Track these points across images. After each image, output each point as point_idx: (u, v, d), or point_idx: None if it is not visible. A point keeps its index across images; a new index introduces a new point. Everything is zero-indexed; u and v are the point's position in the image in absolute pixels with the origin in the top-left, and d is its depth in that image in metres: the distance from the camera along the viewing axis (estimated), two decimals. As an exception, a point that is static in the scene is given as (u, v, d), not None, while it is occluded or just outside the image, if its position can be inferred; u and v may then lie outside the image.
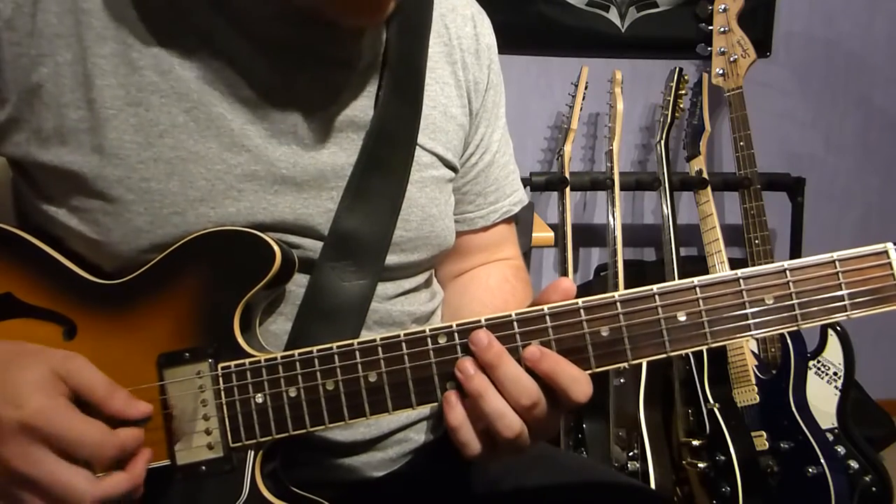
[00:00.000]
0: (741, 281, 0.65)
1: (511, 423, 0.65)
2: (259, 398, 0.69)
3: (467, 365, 0.66)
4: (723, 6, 2.05)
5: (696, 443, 1.93)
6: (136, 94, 0.71)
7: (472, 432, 0.67)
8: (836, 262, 0.65)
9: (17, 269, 0.73)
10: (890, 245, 0.65)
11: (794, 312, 0.65)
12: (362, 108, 0.80)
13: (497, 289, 0.95)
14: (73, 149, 0.71)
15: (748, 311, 0.65)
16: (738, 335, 0.66)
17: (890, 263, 0.65)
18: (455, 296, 0.97)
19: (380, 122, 0.80)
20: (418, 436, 0.90)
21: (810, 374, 1.95)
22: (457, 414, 0.66)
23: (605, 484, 0.95)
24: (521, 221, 1.03)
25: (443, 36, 0.87)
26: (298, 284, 0.77)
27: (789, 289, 0.65)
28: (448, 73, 0.87)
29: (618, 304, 0.66)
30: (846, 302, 0.65)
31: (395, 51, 0.82)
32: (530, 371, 0.66)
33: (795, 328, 0.65)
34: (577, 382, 0.65)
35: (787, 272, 0.65)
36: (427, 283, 0.91)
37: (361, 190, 0.78)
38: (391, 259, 0.81)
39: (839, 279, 0.65)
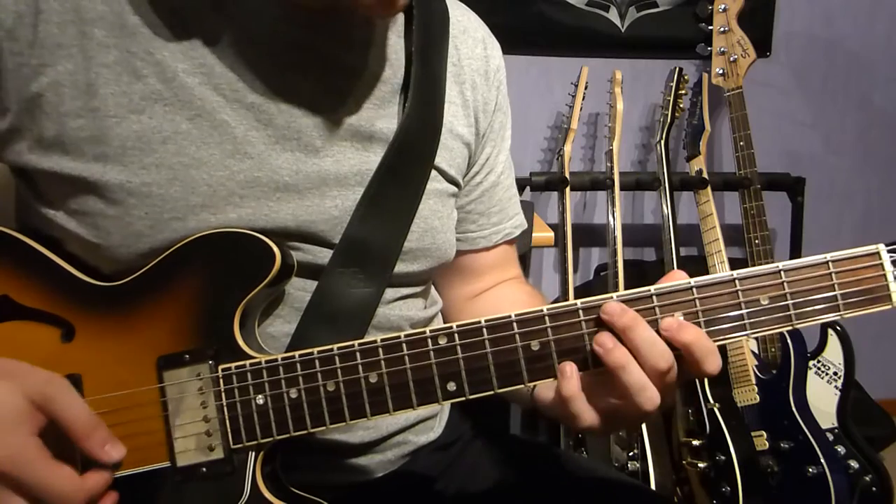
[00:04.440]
0: (737, 281, 0.66)
1: (653, 396, 0.64)
2: (260, 399, 0.70)
3: (605, 338, 0.65)
4: (723, 6, 2.05)
5: (696, 443, 1.93)
6: (139, 102, 0.71)
7: (586, 403, 0.66)
8: (830, 263, 0.65)
9: (14, 272, 0.73)
10: (881, 246, 0.65)
11: (788, 312, 0.66)
12: (368, 118, 0.80)
13: (529, 303, 0.95)
14: (75, 156, 0.71)
15: (744, 311, 0.66)
16: (733, 335, 0.66)
17: (881, 264, 0.65)
18: (485, 313, 0.97)
19: (404, 136, 0.80)
20: (417, 438, 0.90)
21: (810, 374, 1.95)
22: (571, 385, 0.66)
23: (606, 484, 0.95)
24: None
25: (452, 57, 0.88)
26: (302, 289, 0.78)
27: (784, 289, 0.66)
28: (455, 92, 0.87)
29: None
30: (839, 302, 0.65)
31: (419, 67, 0.82)
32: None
33: (790, 328, 0.66)
34: (713, 354, 0.65)
35: (782, 273, 0.65)
36: (426, 291, 0.92)
37: (377, 199, 0.79)
38: None
39: (832, 280, 0.65)
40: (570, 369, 0.66)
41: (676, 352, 0.65)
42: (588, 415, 0.67)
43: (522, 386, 0.68)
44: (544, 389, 0.77)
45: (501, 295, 0.98)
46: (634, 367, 0.64)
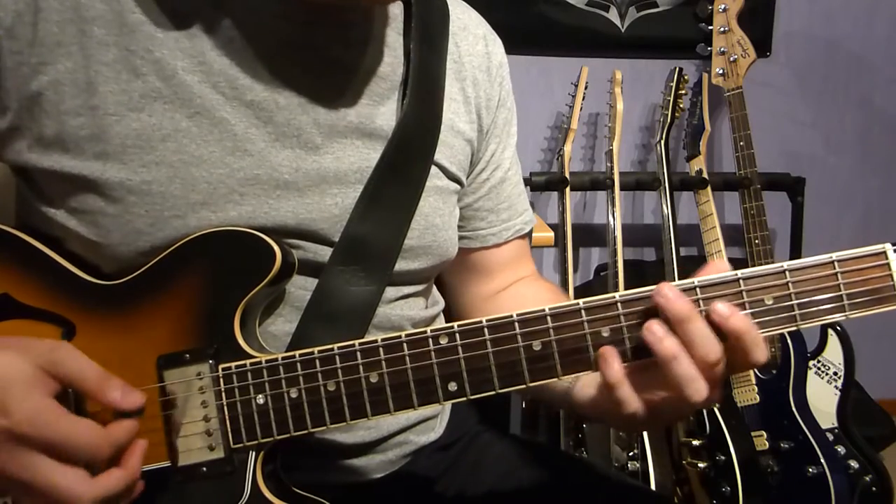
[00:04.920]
0: (741, 281, 0.65)
1: (701, 388, 0.63)
2: (260, 399, 0.69)
3: (656, 327, 0.64)
4: (723, 6, 2.05)
5: (696, 443, 1.92)
6: (139, 100, 0.71)
7: (631, 389, 0.65)
8: (835, 263, 0.65)
9: (15, 270, 0.73)
10: (888, 246, 0.65)
11: (793, 313, 0.65)
12: (368, 115, 0.80)
13: (553, 300, 0.94)
14: (75, 155, 0.71)
15: (748, 311, 0.65)
16: (738, 336, 0.66)
17: (888, 264, 0.64)
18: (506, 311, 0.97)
19: (403, 132, 0.80)
20: (418, 438, 0.90)
21: (810, 374, 1.95)
22: (615, 370, 0.65)
23: (605, 484, 0.95)
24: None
25: (453, 53, 0.88)
26: (303, 287, 0.78)
27: (789, 289, 0.65)
28: (456, 89, 0.87)
29: (618, 304, 0.66)
30: (845, 302, 0.65)
31: (417, 63, 0.82)
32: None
33: (795, 328, 0.65)
34: (761, 345, 0.64)
35: (787, 272, 0.65)
36: (427, 290, 0.91)
37: (377, 197, 0.78)
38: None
39: (838, 279, 0.65)
40: (610, 355, 0.65)
41: (725, 342, 0.64)
42: (633, 401, 0.65)
43: (520, 386, 0.67)
44: (585, 388, 0.76)
45: (521, 293, 0.97)
46: (685, 357, 0.63)
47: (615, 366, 0.65)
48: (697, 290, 0.65)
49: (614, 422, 0.68)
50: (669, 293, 0.64)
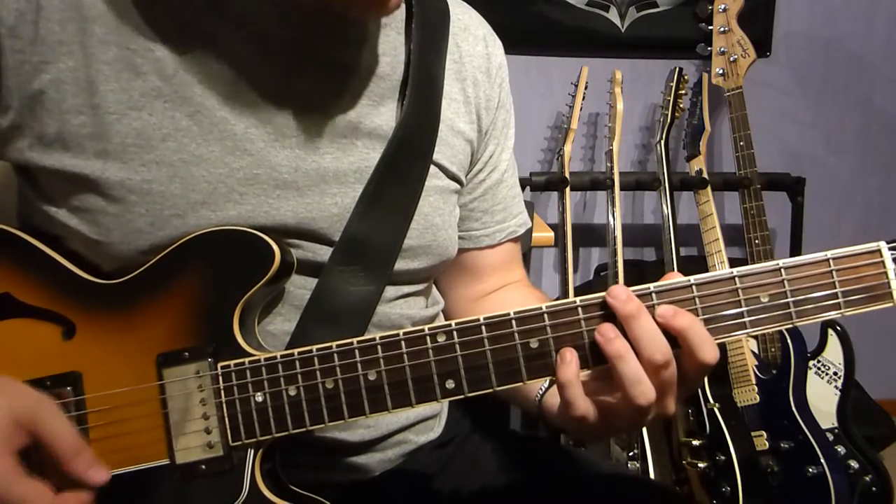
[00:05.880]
0: (737, 279, 0.66)
1: (647, 391, 0.64)
2: (259, 397, 0.70)
3: (608, 328, 0.65)
4: (723, 6, 2.05)
5: (696, 443, 1.92)
6: (139, 98, 0.72)
7: (581, 391, 0.66)
8: (830, 261, 0.65)
9: (15, 269, 0.73)
10: (882, 244, 0.65)
11: (788, 310, 0.66)
12: (367, 115, 0.80)
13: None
14: (76, 153, 0.71)
15: (744, 308, 0.66)
16: (733, 333, 0.66)
17: (882, 262, 0.65)
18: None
19: (403, 133, 0.80)
20: (417, 437, 0.90)
21: (810, 374, 1.95)
22: (570, 370, 0.66)
23: (605, 476, 0.95)
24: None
25: (453, 54, 0.88)
26: (302, 286, 0.78)
27: (784, 287, 0.65)
28: (457, 89, 0.88)
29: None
30: (840, 300, 0.65)
31: (418, 65, 0.83)
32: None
33: (790, 326, 0.66)
34: (709, 343, 0.65)
35: (782, 270, 0.65)
36: (427, 290, 0.92)
37: (377, 197, 0.79)
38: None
39: (833, 277, 0.65)
40: (570, 355, 0.66)
41: (676, 349, 0.65)
42: (582, 402, 0.66)
43: (517, 383, 0.68)
44: (551, 397, 0.77)
45: (508, 298, 0.98)
46: (632, 358, 0.64)
47: (572, 367, 0.66)
48: (693, 287, 0.66)
49: (570, 426, 0.70)
50: (621, 294, 0.65)
